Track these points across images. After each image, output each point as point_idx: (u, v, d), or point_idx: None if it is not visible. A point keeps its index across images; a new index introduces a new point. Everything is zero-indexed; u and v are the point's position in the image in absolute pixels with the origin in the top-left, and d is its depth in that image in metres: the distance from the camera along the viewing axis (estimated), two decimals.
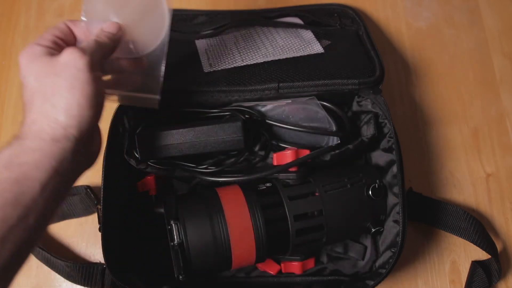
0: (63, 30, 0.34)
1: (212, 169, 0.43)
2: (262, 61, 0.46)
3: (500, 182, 0.52)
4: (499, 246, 0.49)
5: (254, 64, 0.46)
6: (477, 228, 0.46)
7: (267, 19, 0.53)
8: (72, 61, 0.30)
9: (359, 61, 0.47)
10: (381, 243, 0.44)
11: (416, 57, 0.58)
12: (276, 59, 0.46)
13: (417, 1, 0.61)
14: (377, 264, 0.44)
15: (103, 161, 0.41)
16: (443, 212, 0.48)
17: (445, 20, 0.60)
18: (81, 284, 0.46)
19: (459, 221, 0.47)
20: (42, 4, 0.62)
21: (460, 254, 0.49)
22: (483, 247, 0.46)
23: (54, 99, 0.30)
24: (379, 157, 0.46)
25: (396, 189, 0.42)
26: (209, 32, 0.51)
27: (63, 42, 0.34)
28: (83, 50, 0.31)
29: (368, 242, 0.45)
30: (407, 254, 0.49)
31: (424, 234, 0.50)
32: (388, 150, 0.44)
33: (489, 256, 0.46)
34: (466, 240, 0.47)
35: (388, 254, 0.42)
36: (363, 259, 0.45)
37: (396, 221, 0.42)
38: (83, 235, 0.50)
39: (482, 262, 0.47)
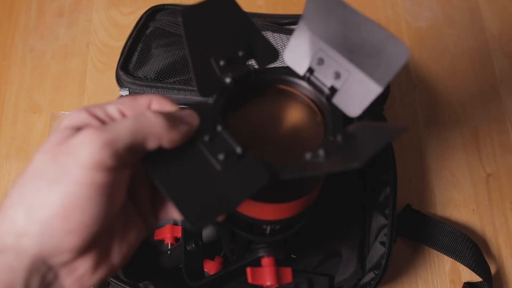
0: (129, 107, 0.22)
1: None
2: (268, 66, 0.46)
3: (500, 181, 0.52)
4: (499, 247, 0.49)
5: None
6: (473, 251, 0.45)
7: (280, 25, 0.53)
8: (75, 147, 0.19)
9: None
10: (368, 260, 0.43)
11: (416, 57, 0.58)
12: (282, 66, 0.46)
13: (417, 0, 0.61)
14: (361, 282, 0.43)
15: None
16: (440, 233, 0.47)
17: (445, 20, 0.60)
18: None
19: (455, 243, 0.46)
20: (42, 4, 0.62)
21: None
22: (477, 272, 0.45)
23: (27, 187, 0.19)
24: (375, 176, 0.46)
25: (387, 211, 0.42)
26: None
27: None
28: (103, 132, 0.19)
29: (353, 254, 0.45)
30: (407, 254, 0.49)
31: None
32: (383, 170, 0.44)
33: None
34: (461, 263, 0.46)
35: (371, 275, 0.42)
36: None
37: (382, 243, 0.42)
38: None
39: (474, 284, 0.46)
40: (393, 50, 0.21)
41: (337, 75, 0.25)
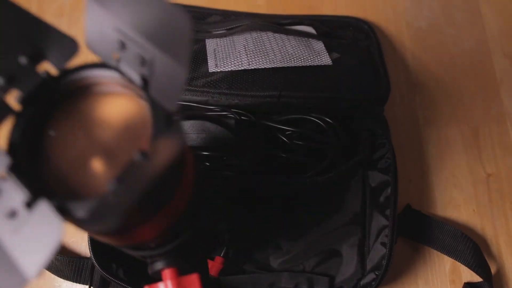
0: None
1: None
2: (268, 66, 0.46)
3: (500, 182, 0.52)
4: (499, 247, 0.49)
5: (260, 69, 0.45)
6: (474, 251, 0.45)
7: (280, 25, 0.52)
8: None
9: (366, 77, 0.47)
10: (368, 261, 0.43)
11: (416, 57, 0.58)
12: (283, 66, 0.46)
13: (417, 0, 0.61)
14: (362, 283, 0.43)
15: None
16: (441, 233, 0.47)
17: (445, 20, 0.60)
18: (70, 279, 0.46)
19: (456, 243, 0.46)
20: (42, 4, 0.62)
21: None
22: (477, 272, 0.45)
23: None
24: (375, 177, 0.46)
25: (388, 212, 0.42)
26: (221, 32, 0.51)
27: None
28: None
29: (354, 255, 0.45)
30: (407, 254, 0.49)
31: None
32: (384, 171, 0.44)
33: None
34: (461, 263, 0.46)
35: (372, 276, 0.42)
36: None
37: (383, 244, 0.42)
38: (83, 235, 0.50)
39: (475, 284, 0.46)
40: (176, 23, 0.17)
41: (142, 61, 0.19)
